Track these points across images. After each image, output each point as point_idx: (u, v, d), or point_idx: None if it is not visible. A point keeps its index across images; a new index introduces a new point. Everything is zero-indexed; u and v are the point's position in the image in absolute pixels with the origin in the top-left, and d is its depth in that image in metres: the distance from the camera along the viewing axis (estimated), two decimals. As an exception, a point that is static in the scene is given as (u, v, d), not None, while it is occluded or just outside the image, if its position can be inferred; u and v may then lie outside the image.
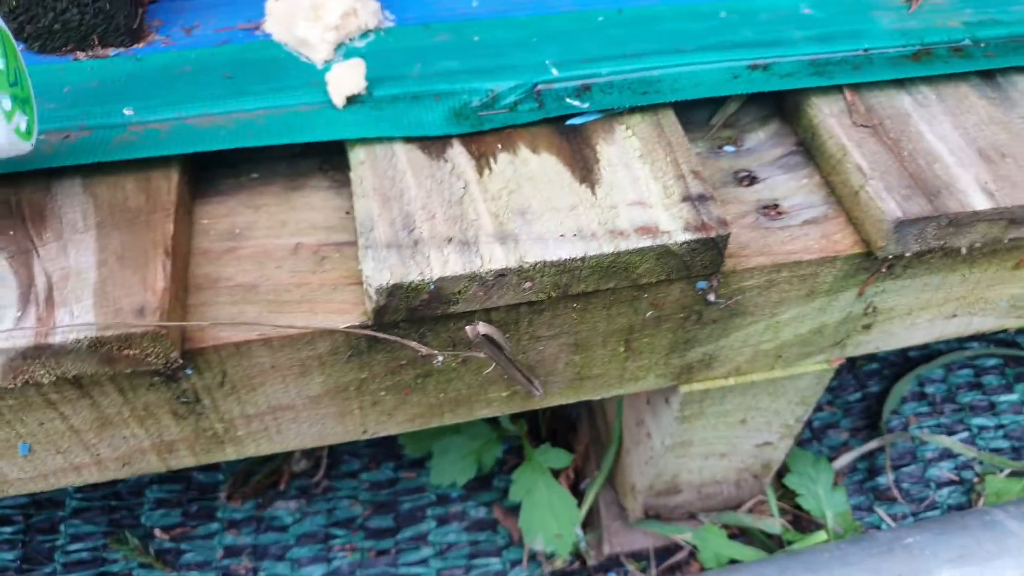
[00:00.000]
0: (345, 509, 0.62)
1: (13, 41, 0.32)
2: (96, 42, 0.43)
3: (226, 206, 0.40)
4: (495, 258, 0.35)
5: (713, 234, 0.36)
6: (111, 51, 0.43)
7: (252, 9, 0.46)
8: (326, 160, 0.43)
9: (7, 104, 0.31)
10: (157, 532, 0.60)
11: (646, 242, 0.36)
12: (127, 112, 0.40)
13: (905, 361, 0.76)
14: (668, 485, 0.58)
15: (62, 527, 0.59)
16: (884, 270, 0.42)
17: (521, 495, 0.59)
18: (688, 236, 0.36)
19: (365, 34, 0.44)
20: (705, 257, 0.37)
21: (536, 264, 0.35)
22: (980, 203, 0.40)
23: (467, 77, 0.42)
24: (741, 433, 0.54)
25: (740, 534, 0.63)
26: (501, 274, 0.35)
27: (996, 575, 0.52)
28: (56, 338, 0.31)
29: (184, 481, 0.62)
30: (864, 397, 0.73)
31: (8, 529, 0.58)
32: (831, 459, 0.67)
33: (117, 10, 0.42)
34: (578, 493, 0.65)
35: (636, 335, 0.42)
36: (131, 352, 0.33)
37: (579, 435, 0.69)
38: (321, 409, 0.40)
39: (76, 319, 0.32)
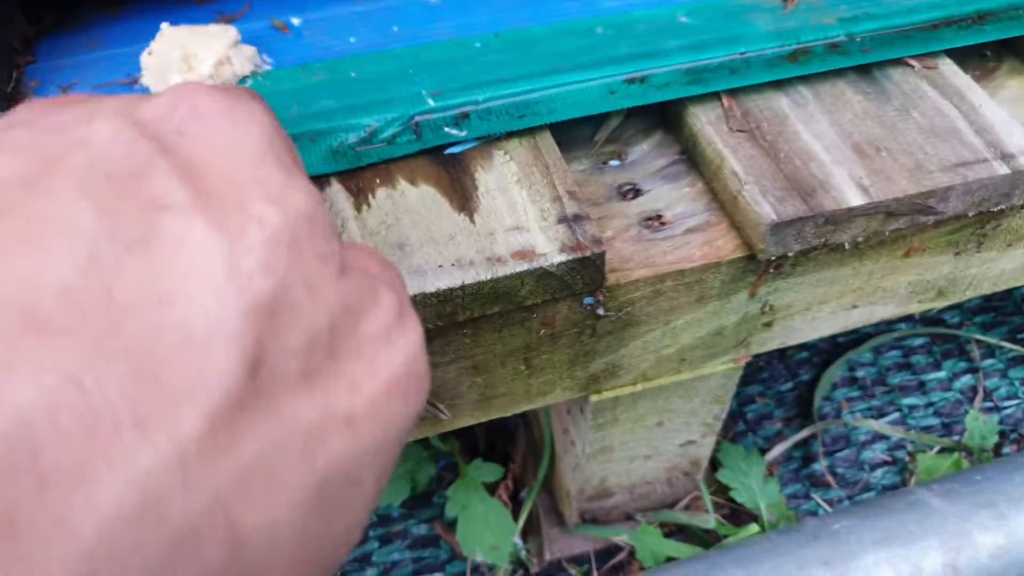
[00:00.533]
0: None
1: None
2: (-28, 108, 0.43)
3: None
4: (372, 295, 0.35)
5: (588, 253, 0.37)
6: (-13, 116, 0.43)
7: (131, 64, 0.46)
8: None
9: None
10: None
11: (523, 266, 0.36)
12: (2, 178, 0.39)
13: (835, 347, 0.77)
14: (598, 489, 0.59)
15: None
16: (772, 270, 0.43)
17: (457, 511, 0.60)
18: (564, 257, 0.37)
19: (242, 80, 0.44)
20: (585, 275, 0.38)
21: (416, 296, 0.35)
22: (855, 199, 0.41)
23: (344, 114, 0.42)
24: (660, 435, 0.54)
25: (678, 531, 0.64)
26: (380, 310, 0.35)
27: (920, 554, 0.53)
28: None
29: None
30: (796, 386, 0.75)
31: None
32: (764, 451, 0.68)
33: (-11, 75, 0.42)
34: (518, 502, 0.66)
35: (534, 353, 0.42)
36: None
37: (517, 445, 0.69)
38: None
39: None
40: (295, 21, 0.48)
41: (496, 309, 0.38)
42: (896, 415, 0.72)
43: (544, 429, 0.64)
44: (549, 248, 0.37)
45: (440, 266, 0.36)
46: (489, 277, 0.36)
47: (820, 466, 0.68)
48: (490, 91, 0.44)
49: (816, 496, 0.67)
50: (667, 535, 0.63)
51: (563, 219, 0.38)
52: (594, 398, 0.48)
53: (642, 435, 0.53)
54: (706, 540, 0.63)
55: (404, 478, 0.61)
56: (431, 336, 0.39)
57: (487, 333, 0.40)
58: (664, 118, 0.48)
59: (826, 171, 0.42)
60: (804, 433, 0.69)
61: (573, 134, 0.46)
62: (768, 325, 0.48)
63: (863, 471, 0.69)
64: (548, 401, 0.46)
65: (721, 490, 0.65)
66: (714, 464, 0.66)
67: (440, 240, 0.37)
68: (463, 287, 0.36)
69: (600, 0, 0.50)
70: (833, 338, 0.78)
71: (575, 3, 0.50)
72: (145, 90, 0.44)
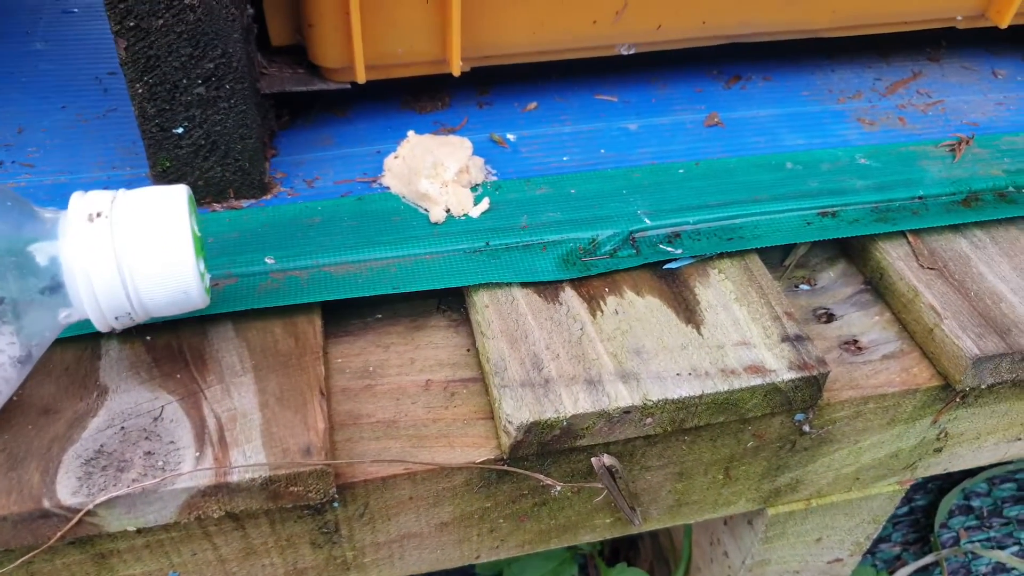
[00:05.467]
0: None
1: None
2: (232, 194, 0.47)
3: (357, 346, 0.44)
4: (620, 396, 0.38)
5: (815, 372, 0.40)
6: (244, 203, 0.47)
7: (366, 164, 0.51)
8: (442, 301, 0.46)
9: (201, 267, 0.34)
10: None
11: (756, 380, 0.39)
12: (268, 261, 0.44)
13: (949, 475, 0.78)
14: (742, 604, 0.60)
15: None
16: (958, 400, 0.46)
17: (599, 615, 0.61)
18: (793, 375, 0.40)
19: (474, 188, 0.49)
20: (806, 393, 0.40)
21: (658, 402, 0.38)
22: (1044, 339, 0.44)
23: (570, 227, 0.46)
24: (815, 551, 0.56)
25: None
26: (626, 411, 0.38)
27: None
28: (233, 477, 0.34)
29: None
30: (912, 511, 0.76)
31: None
32: (890, 572, 0.68)
33: (253, 167, 0.47)
34: (644, 612, 0.67)
35: (735, 463, 0.44)
36: (296, 489, 0.35)
37: (642, 554, 0.70)
38: (444, 536, 0.43)
39: (249, 459, 0.35)
40: (511, 137, 0.53)
41: (721, 419, 0.40)
42: (1015, 548, 0.73)
43: (676, 538, 0.65)
44: (778, 365, 0.40)
45: (678, 374, 0.39)
46: (726, 388, 0.39)
47: (944, 596, 0.69)
48: (699, 214, 0.48)
49: (940, 626, 0.67)
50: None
51: (786, 338, 0.41)
52: (771, 511, 0.50)
53: (800, 550, 0.55)
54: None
55: None
56: (654, 441, 0.41)
57: (704, 441, 0.42)
58: (846, 249, 0.51)
59: (1017, 312, 0.45)
60: (927, 559, 0.70)
61: (763, 257, 0.49)
62: (938, 451, 0.50)
63: (985, 604, 0.69)
64: (731, 511, 0.48)
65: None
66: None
67: (673, 349, 0.41)
68: (702, 396, 0.39)
69: (783, 138, 0.55)
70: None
71: (762, 139, 0.55)
72: (384, 189, 0.49)
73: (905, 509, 0.75)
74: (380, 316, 0.45)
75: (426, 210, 0.47)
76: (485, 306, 0.42)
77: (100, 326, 0.34)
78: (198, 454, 0.35)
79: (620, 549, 0.70)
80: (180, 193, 0.34)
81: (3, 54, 0.58)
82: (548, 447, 0.39)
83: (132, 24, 0.40)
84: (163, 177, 0.45)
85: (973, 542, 0.73)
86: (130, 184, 0.48)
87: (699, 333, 0.41)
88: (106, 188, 0.48)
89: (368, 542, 0.41)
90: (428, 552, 0.43)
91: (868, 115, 0.58)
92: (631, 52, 0.54)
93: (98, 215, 0.32)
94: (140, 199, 0.33)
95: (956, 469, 0.52)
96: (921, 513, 0.75)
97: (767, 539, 0.52)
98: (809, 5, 0.54)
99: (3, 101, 0.54)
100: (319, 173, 0.50)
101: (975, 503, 0.76)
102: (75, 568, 0.38)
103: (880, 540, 0.72)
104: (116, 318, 0.33)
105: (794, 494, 0.49)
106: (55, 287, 0.32)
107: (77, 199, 0.33)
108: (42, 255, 0.31)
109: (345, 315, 0.45)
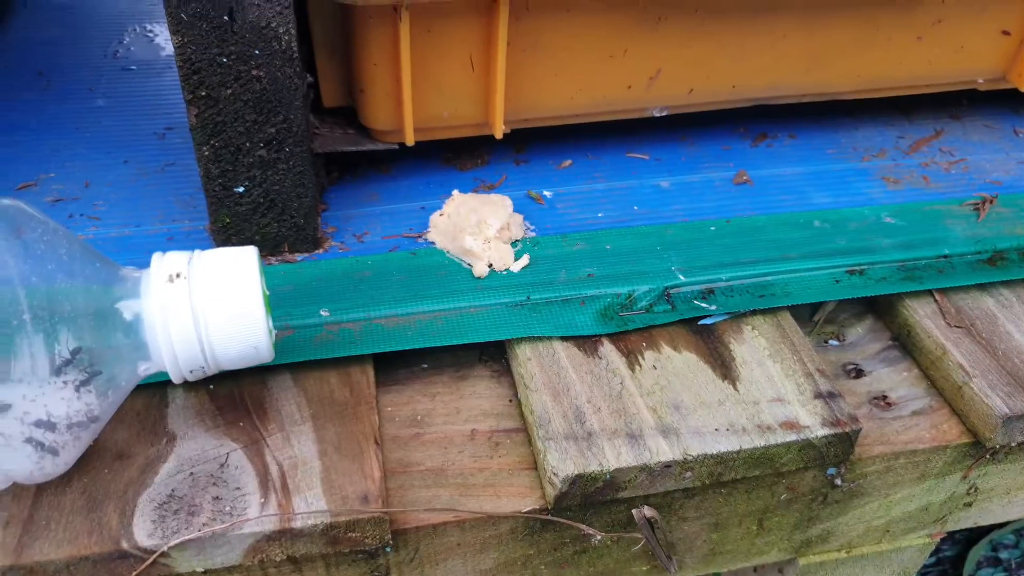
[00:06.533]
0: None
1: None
2: (286, 248, 0.50)
3: (405, 395, 0.46)
4: (661, 451, 0.40)
5: (848, 429, 0.41)
6: (298, 256, 0.50)
7: (411, 220, 0.53)
8: (484, 352, 0.48)
9: (269, 323, 0.37)
10: None
11: (791, 437, 0.41)
12: (323, 313, 0.46)
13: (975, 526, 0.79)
14: (772, 653, 0.60)
15: None
16: (988, 456, 0.47)
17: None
18: (826, 431, 0.41)
19: (514, 243, 0.51)
20: (839, 449, 0.42)
21: (698, 456, 0.40)
22: (1069, 397, 0.45)
23: (606, 282, 0.49)
24: (845, 603, 0.57)
25: None
26: (667, 465, 0.40)
27: None
28: (296, 523, 0.36)
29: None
30: (939, 561, 0.76)
31: None
32: (918, 626, 0.69)
33: (307, 223, 0.49)
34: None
35: (769, 515, 0.46)
36: (354, 535, 0.37)
37: (669, 599, 0.71)
38: (487, 582, 0.44)
39: (311, 506, 0.37)
40: (547, 194, 0.56)
41: (756, 473, 0.42)
42: (1042, 602, 0.73)
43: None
44: (811, 421, 0.42)
45: (716, 429, 0.41)
46: (762, 444, 0.40)
47: (971, 647, 0.69)
48: (732, 271, 0.50)
49: None
50: None
51: (819, 395, 0.43)
52: (802, 561, 0.51)
53: (829, 599, 0.56)
54: None
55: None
56: (692, 494, 0.43)
57: (739, 494, 0.44)
58: (873, 305, 0.53)
59: (1042, 370, 0.46)
60: (955, 611, 0.70)
61: (792, 312, 0.51)
62: (968, 505, 0.51)
63: (1013, 657, 0.69)
64: (762, 560, 0.50)
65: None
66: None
67: (711, 405, 0.42)
68: (739, 451, 0.40)
69: (810, 196, 0.57)
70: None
71: (789, 197, 0.57)
72: (430, 244, 0.51)
73: (932, 559, 0.75)
74: (426, 366, 0.47)
75: (470, 265, 0.49)
76: (528, 359, 0.44)
77: (175, 378, 0.36)
78: (263, 500, 0.37)
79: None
80: (251, 256, 0.36)
81: (70, 111, 0.62)
82: (591, 498, 0.40)
83: (204, 94, 0.42)
84: (222, 232, 0.48)
85: (1000, 593, 0.73)
86: (189, 236, 0.51)
87: (735, 389, 0.43)
88: (168, 239, 0.51)
89: (415, 587, 0.43)
90: (471, 597, 0.45)
91: (892, 173, 0.60)
92: (663, 114, 0.57)
93: (177, 275, 0.35)
94: (215, 261, 0.35)
95: (986, 523, 0.53)
96: (949, 564, 0.75)
97: (797, 589, 0.53)
98: (833, 70, 0.57)
99: (72, 156, 0.57)
100: (367, 228, 0.53)
101: (1003, 555, 0.76)
102: (139, 608, 0.39)
103: (907, 589, 0.73)
104: (191, 371, 0.36)
105: (825, 545, 0.50)
106: (137, 342, 0.34)
107: (157, 260, 0.36)
108: (128, 312, 0.34)
109: (393, 363, 0.47)
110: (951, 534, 0.78)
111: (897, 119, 0.67)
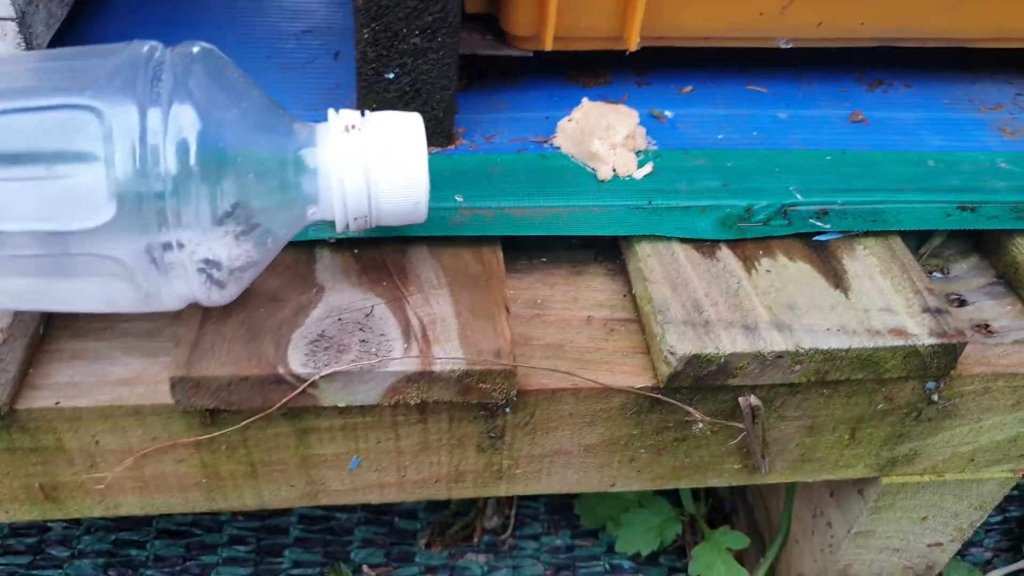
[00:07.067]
0: (528, 568, 0.68)
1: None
2: (421, 141, 0.53)
3: (526, 281, 0.49)
4: (775, 341, 0.42)
5: (954, 341, 0.43)
6: (433, 149, 0.53)
7: (537, 127, 0.56)
8: (599, 252, 0.51)
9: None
10: (365, 568, 0.66)
11: (899, 342, 0.43)
12: (458, 199, 0.49)
13: (1044, 492, 0.79)
14: (839, 574, 0.62)
15: (286, 552, 0.65)
16: (1084, 391, 0.48)
17: (700, 570, 0.64)
18: (933, 340, 0.43)
19: (638, 153, 0.53)
20: (943, 360, 0.44)
21: (809, 350, 0.42)
22: None
23: (726, 195, 0.51)
24: (919, 530, 0.58)
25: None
26: (779, 355, 0.42)
27: None
28: (435, 367, 0.40)
29: (387, 526, 0.69)
30: (1005, 520, 0.77)
31: (243, 548, 0.65)
32: (984, 572, 0.70)
33: (445, 117, 0.52)
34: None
35: (863, 425, 0.48)
36: (485, 386, 0.40)
37: (735, 527, 0.74)
38: (590, 458, 0.47)
39: (449, 354, 0.40)
40: (668, 114, 0.58)
41: (860, 376, 0.44)
42: (1109, 571, 0.74)
43: (775, 511, 0.68)
44: (919, 331, 0.43)
45: (827, 329, 0.43)
46: (871, 346, 0.42)
47: (1034, 604, 0.70)
48: (846, 196, 0.51)
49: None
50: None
51: (927, 309, 0.45)
52: (885, 480, 0.53)
53: (905, 526, 0.57)
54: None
55: (654, 531, 0.66)
56: (795, 391, 0.45)
57: (839, 397, 0.46)
58: (979, 244, 0.54)
59: None
60: (1020, 565, 0.71)
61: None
62: (1056, 445, 0.52)
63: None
64: (848, 475, 0.52)
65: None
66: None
67: (823, 308, 0.44)
68: (848, 350, 0.42)
69: (925, 139, 0.58)
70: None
71: (904, 138, 0.58)
72: (555, 149, 0.54)
73: (999, 518, 0.76)
74: (545, 259, 0.50)
75: (594, 169, 0.52)
76: (648, 255, 0.47)
77: (340, 225, 0.39)
78: (406, 346, 0.40)
79: (715, 522, 0.74)
80: (418, 119, 0.39)
81: (218, 9, 0.66)
82: (702, 381, 0.43)
83: (371, -23, 0.45)
84: (368, 117, 0.51)
85: (1066, 558, 0.74)
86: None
87: (847, 297, 0.45)
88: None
89: (524, 453, 0.46)
90: (572, 472, 0.48)
91: (1010, 125, 0.61)
92: (788, 46, 0.58)
93: (352, 127, 0.38)
94: (387, 119, 0.39)
95: (1069, 467, 0.54)
96: (1015, 523, 0.76)
97: (876, 509, 0.55)
98: (965, 13, 0.57)
99: (220, 48, 0.61)
100: (496, 131, 0.56)
101: (1070, 521, 0.77)
102: (280, 439, 0.43)
103: (971, 544, 0.74)
104: (355, 219, 0.39)
105: (909, 466, 0.52)
106: (310, 188, 0.38)
107: (333, 114, 0.39)
108: (309, 158, 0.37)
109: (514, 256, 0.50)
110: (1019, 495, 0.78)
111: (1015, 77, 0.67)
